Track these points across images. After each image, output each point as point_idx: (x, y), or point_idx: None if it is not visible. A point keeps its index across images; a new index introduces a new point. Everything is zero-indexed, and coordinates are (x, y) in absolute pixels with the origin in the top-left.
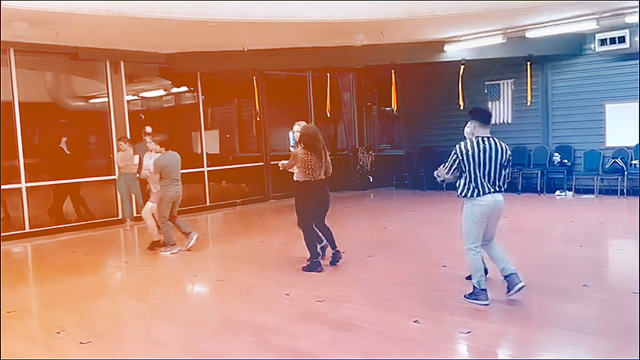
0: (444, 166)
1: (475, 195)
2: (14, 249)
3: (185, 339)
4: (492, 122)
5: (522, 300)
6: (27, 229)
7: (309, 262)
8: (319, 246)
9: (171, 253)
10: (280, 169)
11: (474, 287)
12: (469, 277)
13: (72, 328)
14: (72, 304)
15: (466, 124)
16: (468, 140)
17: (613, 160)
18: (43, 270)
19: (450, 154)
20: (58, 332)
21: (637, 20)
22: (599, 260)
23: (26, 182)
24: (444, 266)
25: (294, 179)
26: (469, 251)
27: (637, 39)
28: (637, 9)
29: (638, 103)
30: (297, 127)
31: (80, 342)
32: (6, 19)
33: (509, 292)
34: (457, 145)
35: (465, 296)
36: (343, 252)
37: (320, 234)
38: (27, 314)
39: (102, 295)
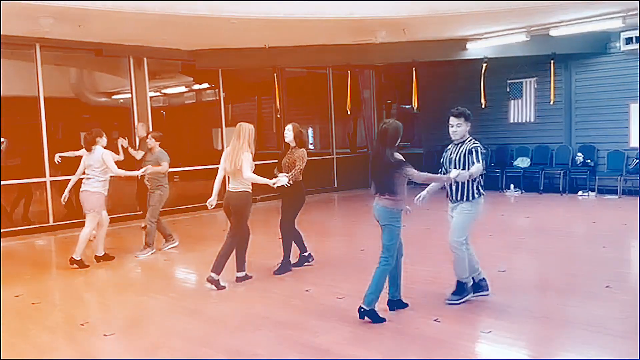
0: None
1: (482, 194)
2: (38, 242)
3: (207, 333)
4: (513, 120)
5: (543, 300)
6: (51, 222)
7: (298, 259)
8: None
9: (173, 246)
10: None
11: (462, 283)
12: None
13: (96, 320)
14: (96, 297)
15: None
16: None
17: (637, 160)
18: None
19: (479, 153)
20: (82, 324)
21: None
22: (622, 261)
23: (50, 176)
24: None
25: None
26: (461, 246)
27: None
28: None
29: (638, 104)
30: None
31: (104, 334)
32: (33, 15)
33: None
34: (480, 146)
35: (449, 301)
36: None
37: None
38: (51, 306)
39: (125, 288)
